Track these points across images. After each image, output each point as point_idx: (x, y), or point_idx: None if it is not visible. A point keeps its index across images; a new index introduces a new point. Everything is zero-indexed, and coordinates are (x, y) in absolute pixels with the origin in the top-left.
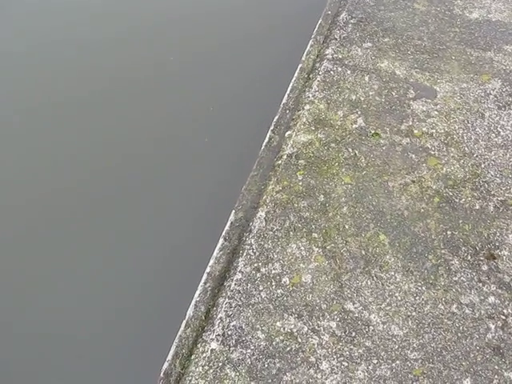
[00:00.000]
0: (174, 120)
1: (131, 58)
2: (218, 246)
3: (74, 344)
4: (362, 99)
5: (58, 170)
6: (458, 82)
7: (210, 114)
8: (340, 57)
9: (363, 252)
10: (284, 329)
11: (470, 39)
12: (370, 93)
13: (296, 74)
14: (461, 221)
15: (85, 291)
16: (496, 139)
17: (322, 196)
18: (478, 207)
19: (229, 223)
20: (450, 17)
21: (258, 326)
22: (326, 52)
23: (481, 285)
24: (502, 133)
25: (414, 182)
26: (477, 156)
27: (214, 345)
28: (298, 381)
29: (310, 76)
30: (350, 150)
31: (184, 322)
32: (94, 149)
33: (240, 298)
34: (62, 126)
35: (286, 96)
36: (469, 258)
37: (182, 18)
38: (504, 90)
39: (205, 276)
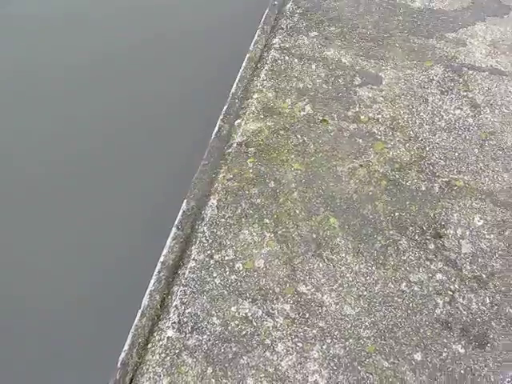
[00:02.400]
0: (122, 111)
1: (68, 50)
2: (171, 235)
3: (27, 334)
4: (310, 87)
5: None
6: (402, 69)
7: (159, 104)
8: (287, 46)
9: (314, 235)
10: (239, 313)
11: (413, 27)
12: (317, 80)
13: (244, 64)
14: (408, 202)
15: (41, 280)
16: (440, 123)
17: (272, 182)
18: (423, 189)
19: (181, 212)
20: (393, 6)
21: (213, 312)
22: (273, 41)
23: (428, 263)
24: (445, 116)
25: (361, 166)
26: (422, 139)
27: (170, 332)
28: (254, 363)
29: (258, 65)
30: (299, 136)
31: (139, 311)
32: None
33: (194, 286)
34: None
35: (234, 85)
36: (416, 237)
37: (134, 6)
38: (446, 75)
39: (159, 265)
